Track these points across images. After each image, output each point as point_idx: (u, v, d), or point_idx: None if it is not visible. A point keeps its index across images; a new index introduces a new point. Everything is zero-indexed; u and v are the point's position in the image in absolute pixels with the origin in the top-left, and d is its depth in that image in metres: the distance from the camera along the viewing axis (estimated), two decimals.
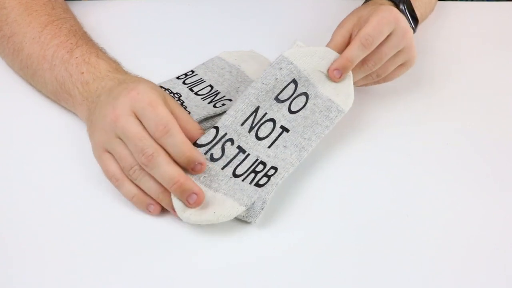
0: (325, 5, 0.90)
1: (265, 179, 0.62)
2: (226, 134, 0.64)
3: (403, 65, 0.72)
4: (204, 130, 0.64)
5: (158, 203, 0.61)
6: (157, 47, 0.83)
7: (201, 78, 0.76)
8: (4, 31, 0.73)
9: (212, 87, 0.75)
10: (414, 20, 0.76)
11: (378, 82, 0.74)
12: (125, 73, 0.68)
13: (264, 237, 0.60)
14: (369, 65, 0.70)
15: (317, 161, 0.68)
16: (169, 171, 0.58)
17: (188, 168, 0.60)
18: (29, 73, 0.72)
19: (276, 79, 0.67)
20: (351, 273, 0.58)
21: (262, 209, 0.60)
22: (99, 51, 0.70)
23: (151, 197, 0.61)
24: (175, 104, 0.62)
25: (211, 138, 0.64)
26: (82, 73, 0.67)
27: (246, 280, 0.57)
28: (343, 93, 0.69)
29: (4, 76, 0.76)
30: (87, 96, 0.66)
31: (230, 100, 0.73)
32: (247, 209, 0.60)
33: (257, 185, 0.62)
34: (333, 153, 0.69)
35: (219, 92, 0.74)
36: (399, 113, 0.76)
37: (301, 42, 0.69)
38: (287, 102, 0.67)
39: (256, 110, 0.66)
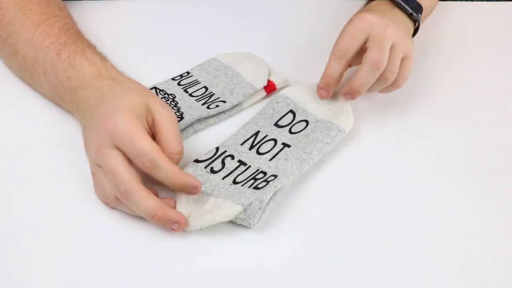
0: (325, 6, 0.90)
1: (264, 183, 0.62)
2: (226, 151, 0.66)
3: (405, 58, 0.70)
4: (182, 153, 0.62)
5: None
6: (157, 47, 0.83)
7: (196, 80, 0.76)
8: (0, 32, 0.73)
9: (207, 88, 0.75)
10: (418, 8, 0.75)
11: (396, 84, 0.72)
12: (107, 78, 0.66)
13: (264, 240, 0.60)
14: (387, 76, 0.69)
15: (316, 162, 0.68)
16: (145, 206, 0.57)
17: (185, 192, 0.60)
18: (27, 76, 0.72)
19: (274, 109, 0.71)
20: (352, 274, 0.58)
21: (260, 209, 0.59)
22: (85, 49, 0.69)
23: None
24: (161, 115, 0.61)
25: (211, 155, 0.65)
26: (69, 78, 0.66)
27: (246, 285, 0.57)
28: (343, 116, 0.70)
29: (3, 75, 0.76)
30: (78, 103, 0.65)
31: (224, 101, 0.72)
32: (244, 210, 0.59)
33: (256, 188, 0.62)
34: (333, 154, 0.69)
35: (214, 94, 0.74)
36: (399, 113, 0.75)
37: (301, 83, 0.74)
38: (287, 127, 0.70)
39: (256, 134, 0.68)
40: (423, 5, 0.76)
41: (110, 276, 0.57)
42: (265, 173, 0.64)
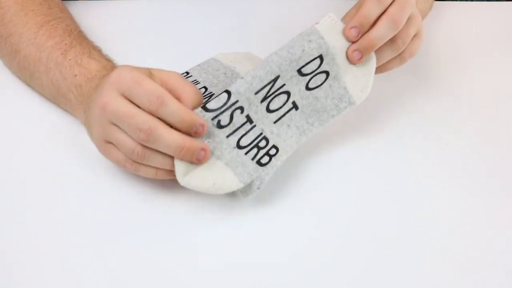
0: (325, 6, 0.90)
1: (266, 158, 0.63)
2: (237, 101, 0.62)
3: (417, 36, 0.68)
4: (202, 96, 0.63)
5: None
6: (157, 47, 0.83)
7: (195, 80, 0.76)
8: (1, 32, 0.73)
9: (206, 88, 0.75)
10: None
11: (403, 57, 0.69)
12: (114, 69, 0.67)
13: (263, 237, 0.61)
14: (399, 43, 0.66)
15: (316, 161, 0.68)
16: (172, 139, 0.57)
17: (191, 132, 0.59)
18: (27, 75, 0.72)
19: (303, 50, 0.64)
20: (351, 273, 0.58)
21: (258, 188, 0.61)
22: (92, 51, 0.70)
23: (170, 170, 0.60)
24: (165, 74, 0.61)
25: (221, 104, 0.62)
26: (75, 75, 0.67)
27: (248, 275, 0.57)
28: (361, 84, 0.67)
29: (2, 75, 0.76)
30: (82, 100, 0.66)
31: None
32: (244, 187, 0.61)
33: (259, 163, 0.62)
34: (333, 154, 0.69)
35: (214, 94, 0.74)
36: (399, 113, 0.75)
37: (334, 15, 0.67)
38: (308, 77, 0.65)
39: (275, 80, 0.64)
40: (417, 7, 0.74)
41: (111, 271, 0.57)
42: (267, 141, 0.63)
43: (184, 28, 0.86)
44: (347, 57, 0.66)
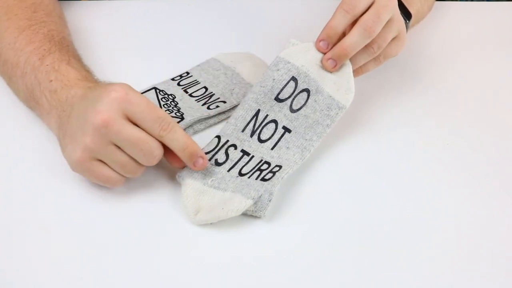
0: (324, 6, 0.90)
1: (270, 174, 0.63)
2: (228, 141, 0.65)
3: (397, 38, 0.69)
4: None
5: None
6: (157, 47, 0.83)
7: (196, 80, 0.76)
8: None
9: (206, 88, 0.75)
10: (407, 15, 0.74)
11: (378, 60, 0.70)
12: (95, 81, 0.66)
13: (269, 238, 0.61)
14: (374, 48, 0.67)
15: (317, 162, 0.68)
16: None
17: (190, 163, 0.60)
18: (6, 79, 0.72)
19: (274, 79, 0.67)
20: (352, 272, 0.58)
21: (270, 200, 0.60)
22: (71, 58, 0.68)
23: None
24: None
25: (213, 146, 0.65)
26: (51, 81, 0.65)
27: (251, 275, 0.57)
28: (343, 87, 0.68)
29: None
30: (56, 105, 0.64)
31: (225, 102, 0.73)
32: (255, 203, 0.60)
33: (263, 179, 0.62)
34: (333, 154, 0.69)
35: (214, 94, 0.74)
36: (399, 114, 0.75)
37: (295, 40, 0.69)
38: (288, 101, 0.67)
39: (256, 114, 0.67)
40: (414, 11, 0.75)
41: (115, 272, 0.57)
42: (269, 164, 0.64)
43: (184, 28, 0.86)
44: (323, 66, 0.68)
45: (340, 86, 0.68)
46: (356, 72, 0.70)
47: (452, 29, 0.90)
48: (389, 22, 0.66)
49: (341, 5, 0.66)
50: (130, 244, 0.59)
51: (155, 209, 0.62)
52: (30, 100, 0.67)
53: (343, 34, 0.67)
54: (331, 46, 0.67)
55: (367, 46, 0.67)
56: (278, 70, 0.68)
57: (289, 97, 0.67)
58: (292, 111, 0.67)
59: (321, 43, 0.67)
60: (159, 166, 0.63)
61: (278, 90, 0.67)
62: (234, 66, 0.78)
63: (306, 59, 0.68)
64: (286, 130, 0.66)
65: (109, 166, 0.59)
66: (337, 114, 0.67)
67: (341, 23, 0.66)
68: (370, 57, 0.68)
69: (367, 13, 0.65)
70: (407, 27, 0.73)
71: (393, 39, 0.68)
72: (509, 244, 0.61)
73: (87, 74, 0.67)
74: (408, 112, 0.76)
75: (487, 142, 0.72)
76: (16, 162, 0.66)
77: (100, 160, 0.59)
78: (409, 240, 0.61)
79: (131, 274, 0.57)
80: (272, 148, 0.66)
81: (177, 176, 0.63)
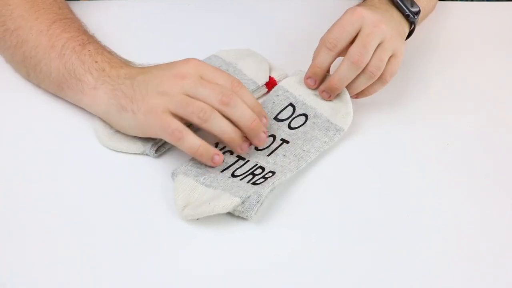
0: (324, 5, 0.90)
1: (262, 180, 0.63)
2: (224, 147, 0.66)
3: (393, 57, 0.70)
4: None
5: (221, 154, 0.63)
6: (157, 47, 0.83)
7: None
8: (8, 25, 0.72)
9: None
10: (416, 10, 0.75)
11: (383, 80, 0.71)
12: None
13: (261, 238, 0.61)
14: (372, 71, 0.69)
15: (316, 162, 0.68)
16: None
17: (259, 116, 0.64)
18: (32, 63, 0.71)
19: (274, 102, 0.71)
20: (352, 273, 0.58)
21: (258, 202, 0.60)
22: (110, 50, 0.71)
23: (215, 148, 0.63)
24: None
25: None
26: (96, 62, 0.67)
27: (243, 277, 0.57)
28: (342, 112, 0.70)
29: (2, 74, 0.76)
30: (107, 80, 0.66)
31: None
32: (242, 202, 0.60)
33: (254, 183, 0.62)
34: (333, 154, 0.69)
35: None
36: (399, 113, 0.75)
37: (303, 70, 0.72)
38: (287, 121, 0.69)
39: None
40: (420, 7, 0.75)
41: (111, 270, 0.57)
42: (263, 169, 0.64)
43: (184, 28, 0.86)
44: (319, 95, 0.71)
45: (338, 111, 0.70)
46: (363, 94, 0.72)
47: (452, 29, 0.90)
48: (381, 44, 0.68)
49: (323, 42, 0.69)
50: (126, 243, 0.59)
51: (150, 208, 0.62)
52: (69, 78, 0.68)
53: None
54: (318, 82, 0.72)
55: (364, 71, 0.68)
56: (277, 95, 0.72)
57: (288, 118, 0.70)
58: (291, 128, 0.69)
59: (308, 80, 0.72)
60: (157, 166, 0.64)
61: (277, 112, 0.70)
62: (236, 63, 0.77)
63: (303, 90, 0.72)
64: (284, 141, 0.67)
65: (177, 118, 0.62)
66: (335, 135, 0.68)
67: (326, 61, 0.70)
68: (372, 80, 0.70)
69: (353, 45, 0.68)
70: (414, 22, 0.74)
71: (391, 57, 0.70)
72: (509, 244, 0.61)
73: (130, 62, 0.70)
74: (408, 112, 0.76)
75: (487, 142, 0.72)
76: (16, 162, 0.66)
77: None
78: (409, 240, 0.61)
79: (123, 273, 0.57)
80: (269, 155, 0.66)
81: (171, 174, 0.64)
